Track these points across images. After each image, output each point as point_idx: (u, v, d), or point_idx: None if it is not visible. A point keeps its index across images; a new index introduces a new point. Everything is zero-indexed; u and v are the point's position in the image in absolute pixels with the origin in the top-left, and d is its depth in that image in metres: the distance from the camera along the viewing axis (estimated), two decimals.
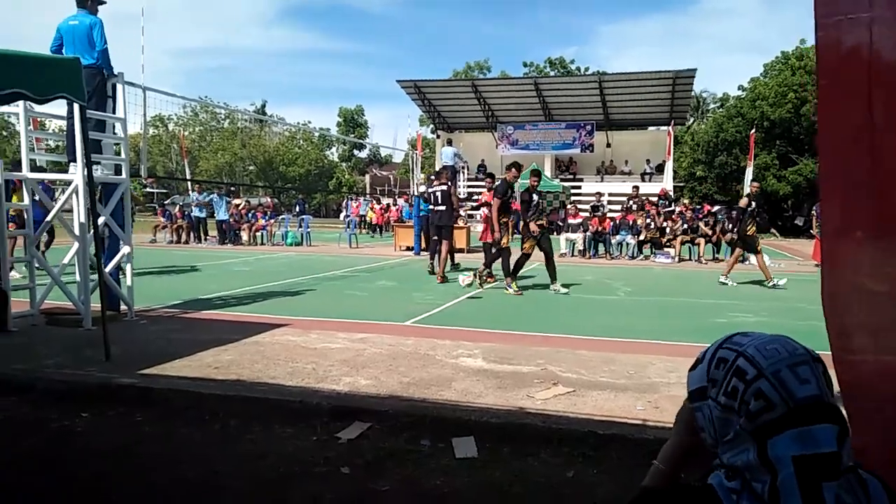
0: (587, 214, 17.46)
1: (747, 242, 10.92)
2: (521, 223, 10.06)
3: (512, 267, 9.46)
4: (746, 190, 25.26)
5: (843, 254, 1.97)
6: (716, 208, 26.43)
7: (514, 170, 9.72)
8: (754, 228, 10.75)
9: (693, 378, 1.11)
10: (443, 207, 11.25)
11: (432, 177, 13.26)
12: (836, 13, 1.82)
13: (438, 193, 11.38)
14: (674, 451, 1.24)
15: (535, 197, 9.61)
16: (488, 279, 10.11)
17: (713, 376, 1.04)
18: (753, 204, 10.84)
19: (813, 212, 15.51)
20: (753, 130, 26.41)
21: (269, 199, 28.31)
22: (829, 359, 1.44)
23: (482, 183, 31.17)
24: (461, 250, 17.05)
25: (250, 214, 20.82)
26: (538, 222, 9.48)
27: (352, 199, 29.07)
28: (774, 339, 1.02)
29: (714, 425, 1.03)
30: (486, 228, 10.53)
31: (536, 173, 10.08)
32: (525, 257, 9.53)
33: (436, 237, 11.53)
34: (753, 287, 10.72)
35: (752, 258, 15.16)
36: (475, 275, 10.00)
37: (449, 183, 11.74)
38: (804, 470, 0.92)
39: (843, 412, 1.01)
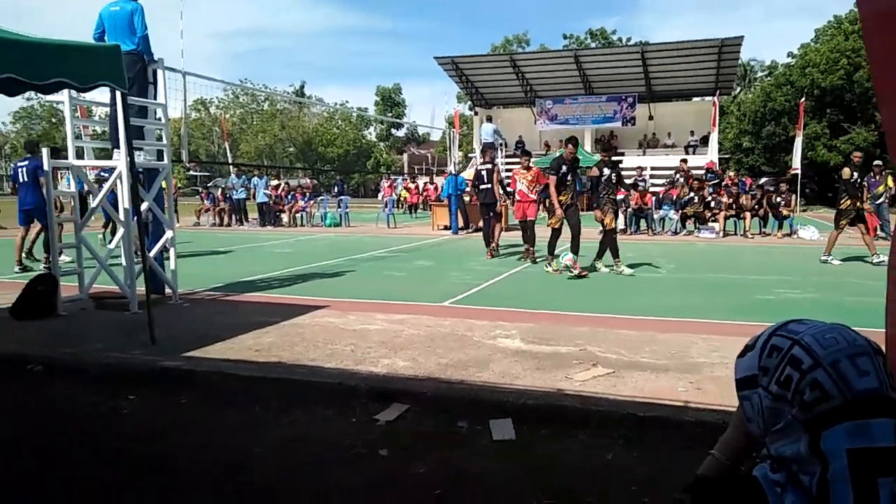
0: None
1: (838, 214, 10.28)
2: (547, 199, 10.03)
3: (548, 246, 9.28)
4: (796, 162, 24.42)
5: None
6: (763, 180, 25.74)
7: (570, 146, 9.16)
8: (848, 202, 10.15)
9: (742, 366, 1.07)
10: (489, 185, 11.52)
11: (471, 155, 13.44)
12: None
13: (484, 172, 11.70)
14: (731, 443, 1.22)
15: (563, 168, 9.02)
16: (532, 256, 10.37)
17: (765, 364, 1.01)
18: (856, 175, 10.20)
19: (864, 183, 14.90)
20: (803, 99, 25.51)
21: (308, 181, 28.60)
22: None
23: (520, 160, 31.15)
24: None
25: (290, 196, 21.06)
26: (562, 198, 9.00)
27: (385, 180, 29.09)
28: (832, 328, 0.99)
29: (763, 415, 1.01)
30: (519, 206, 10.53)
31: (573, 141, 9.28)
32: (555, 234, 9.23)
33: (487, 215, 11.74)
34: (801, 262, 10.40)
35: (802, 231, 14.74)
36: (527, 252, 10.42)
37: (495, 161, 12.05)
38: (859, 464, 0.88)
39: None
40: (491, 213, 11.48)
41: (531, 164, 10.91)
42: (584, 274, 8.63)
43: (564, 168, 9.01)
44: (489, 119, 24.05)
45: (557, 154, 10.48)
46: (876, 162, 15.30)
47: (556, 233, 9.18)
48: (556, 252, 9.15)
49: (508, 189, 12.80)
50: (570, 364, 4.50)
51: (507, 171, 27.33)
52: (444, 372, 4.35)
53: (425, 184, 28.09)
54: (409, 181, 29.30)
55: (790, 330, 1.01)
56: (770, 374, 1.00)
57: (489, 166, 11.71)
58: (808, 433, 0.93)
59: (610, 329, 5.55)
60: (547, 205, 10.11)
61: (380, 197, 27.81)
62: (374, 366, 4.51)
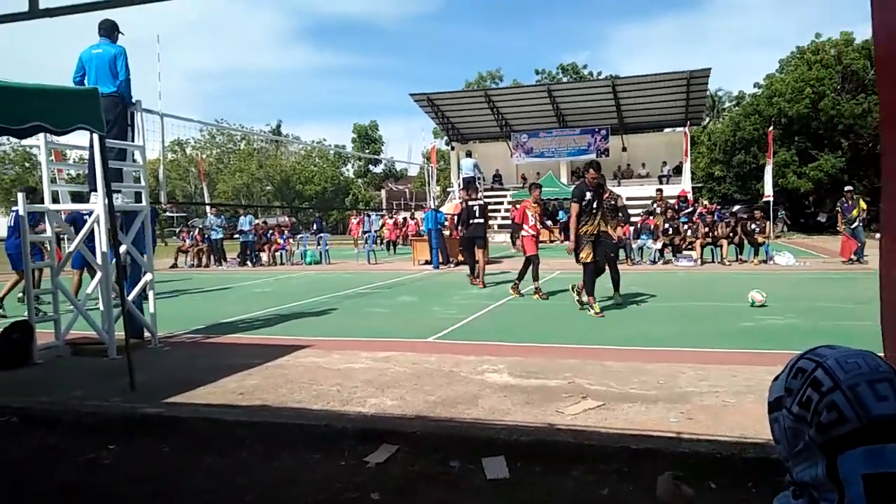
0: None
1: None
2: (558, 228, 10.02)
3: (590, 284, 8.12)
4: (767, 189, 24.93)
5: None
6: (736, 208, 26.19)
7: (591, 170, 8.30)
8: None
9: (773, 388, 1.08)
10: (481, 220, 12.19)
11: (449, 189, 13.77)
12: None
13: (476, 208, 12.19)
14: None
15: (587, 195, 8.12)
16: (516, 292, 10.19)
17: (790, 385, 1.02)
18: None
19: (838, 208, 15.24)
20: (771, 127, 26.18)
21: (286, 219, 28.47)
22: None
23: (498, 193, 31.46)
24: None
25: (269, 234, 20.94)
26: (587, 228, 8.08)
27: (354, 217, 28.82)
28: (858, 353, 0.99)
29: (787, 437, 1.01)
30: (531, 241, 10.20)
31: (594, 165, 8.39)
32: (588, 270, 8.09)
33: (471, 248, 12.39)
34: (780, 287, 10.52)
35: (777, 257, 14.97)
36: (536, 291, 9.93)
37: (481, 197, 12.83)
38: (875, 489, 0.88)
39: None
40: (477, 246, 12.05)
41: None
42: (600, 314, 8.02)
43: (588, 195, 8.10)
44: (469, 154, 24.29)
45: (530, 184, 10.58)
46: (847, 188, 15.72)
47: (588, 268, 8.08)
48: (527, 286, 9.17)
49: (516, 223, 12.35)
50: (559, 398, 4.47)
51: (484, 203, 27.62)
52: (433, 410, 4.30)
53: (405, 219, 28.09)
54: (387, 217, 29.01)
55: (817, 353, 1.02)
56: (793, 396, 1.00)
57: (480, 203, 12.26)
58: (824, 457, 0.93)
59: (597, 360, 5.54)
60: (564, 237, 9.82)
61: (351, 234, 27.57)
62: (361, 406, 4.43)
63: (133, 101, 6.96)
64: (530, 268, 9.99)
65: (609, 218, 8.24)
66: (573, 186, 8.57)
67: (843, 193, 15.53)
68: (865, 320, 7.30)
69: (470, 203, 12.40)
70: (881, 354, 1.82)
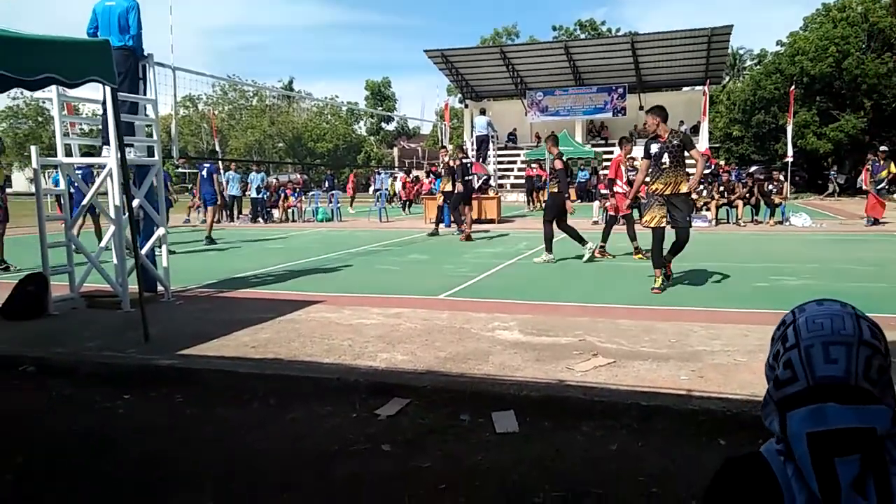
0: None
1: None
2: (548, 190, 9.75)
3: (657, 253, 7.06)
4: (788, 150, 24.49)
5: None
6: (753, 168, 25.79)
7: (649, 116, 7.15)
8: None
9: None
10: (471, 177, 13.70)
11: (464, 146, 14.14)
12: None
13: (469, 165, 13.60)
14: None
15: (653, 148, 6.94)
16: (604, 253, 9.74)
17: (773, 335, 1.06)
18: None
19: (868, 166, 14.96)
20: (793, 87, 25.56)
21: (298, 176, 28.40)
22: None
23: (512, 152, 31.13)
24: (492, 220, 16.95)
25: (281, 191, 20.91)
26: (657, 185, 6.93)
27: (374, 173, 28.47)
28: (832, 313, 1.00)
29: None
30: (619, 197, 9.65)
31: (653, 110, 7.22)
32: (657, 236, 7.04)
33: (468, 203, 13.55)
34: (795, 248, 10.42)
35: (794, 218, 14.80)
36: (600, 250, 9.65)
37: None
38: (817, 446, 0.91)
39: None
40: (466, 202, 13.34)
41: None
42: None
43: (654, 148, 6.92)
44: (483, 112, 23.95)
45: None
46: (882, 147, 15.45)
47: (657, 234, 7.04)
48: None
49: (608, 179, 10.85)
50: (570, 355, 4.47)
51: (499, 163, 27.40)
52: (444, 365, 4.32)
53: (417, 177, 27.84)
54: (404, 175, 28.43)
55: (802, 308, 1.04)
56: (772, 345, 1.05)
57: (470, 159, 13.70)
58: (778, 413, 0.98)
59: (608, 319, 5.53)
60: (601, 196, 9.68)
61: (371, 191, 27.31)
62: (372, 360, 4.46)
63: (145, 54, 6.88)
64: (626, 227, 9.63)
65: (682, 174, 6.87)
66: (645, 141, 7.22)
67: (873, 153, 15.26)
68: (881, 282, 7.24)
69: (464, 161, 13.44)
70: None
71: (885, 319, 4.71)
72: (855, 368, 0.94)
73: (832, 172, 29.96)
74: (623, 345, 4.70)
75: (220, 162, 19.62)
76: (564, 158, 9.63)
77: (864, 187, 15.76)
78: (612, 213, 9.93)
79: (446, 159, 14.09)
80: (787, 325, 1.02)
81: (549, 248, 9.26)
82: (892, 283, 7.17)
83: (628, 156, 10.17)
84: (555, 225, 9.23)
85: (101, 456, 3.27)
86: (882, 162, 14.44)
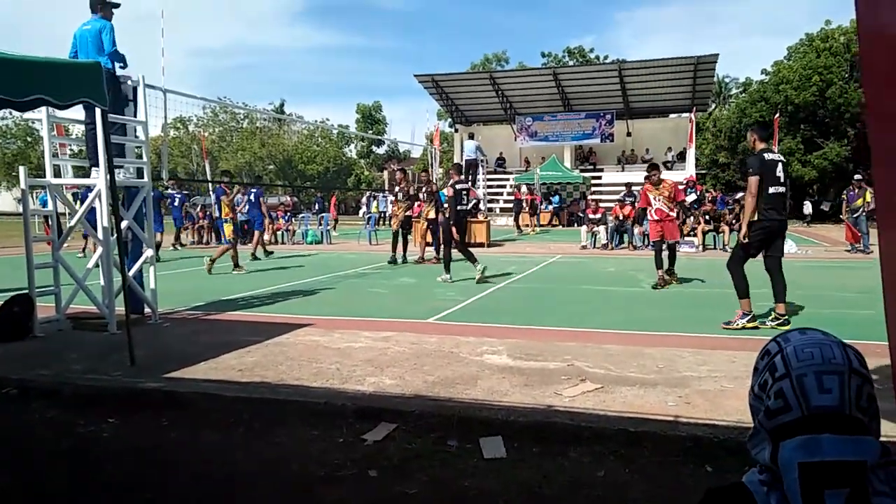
0: (609, 205, 17.28)
1: None
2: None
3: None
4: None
5: None
6: (739, 195, 26.00)
7: (751, 132, 6.57)
8: None
9: None
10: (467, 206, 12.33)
11: (452, 172, 13.46)
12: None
13: (463, 193, 11.83)
14: None
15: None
16: (671, 279, 9.52)
17: (757, 364, 1.06)
18: None
19: (844, 196, 15.19)
20: (777, 115, 26.01)
21: (288, 198, 28.42)
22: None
23: (501, 177, 31.31)
24: (482, 244, 16.98)
25: (271, 214, 20.88)
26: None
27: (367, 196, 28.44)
28: (820, 342, 1.00)
29: (752, 414, 1.05)
30: (656, 226, 9.53)
31: (753, 126, 6.72)
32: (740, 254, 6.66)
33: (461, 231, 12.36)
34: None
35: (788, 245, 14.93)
36: (672, 277, 9.45)
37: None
38: (808, 477, 0.91)
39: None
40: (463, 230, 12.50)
41: (662, 178, 9.78)
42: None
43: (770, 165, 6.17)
44: (471, 136, 24.11)
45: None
46: (856, 176, 15.68)
47: (741, 250, 6.61)
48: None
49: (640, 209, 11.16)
50: (558, 380, 4.47)
51: (488, 187, 27.54)
52: (432, 390, 4.31)
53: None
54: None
55: (786, 337, 1.04)
56: (756, 375, 1.04)
57: (466, 186, 11.82)
58: (770, 443, 0.97)
59: (597, 344, 5.55)
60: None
61: (361, 214, 27.21)
62: (360, 384, 4.44)
63: (128, 71, 6.90)
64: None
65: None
66: (749, 158, 6.41)
67: (850, 182, 15.49)
68: (868, 309, 7.30)
69: (458, 187, 12.44)
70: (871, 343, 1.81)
71: (871, 346, 4.75)
72: (848, 397, 0.94)
73: (806, 199, 30.33)
74: (611, 370, 4.71)
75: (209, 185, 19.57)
76: (458, 188, 10.38)
77: (842, 216, 15.98)
78: (655, 238, 9.57)
79: (403, 185, 13.78)
80: (772, 354, 1.02)
81: (447, 269, 9.99)
82: (878, 311, 7.23)
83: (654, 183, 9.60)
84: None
85: (84, 479, 3.23)
86: (857, 191, 14.60)
